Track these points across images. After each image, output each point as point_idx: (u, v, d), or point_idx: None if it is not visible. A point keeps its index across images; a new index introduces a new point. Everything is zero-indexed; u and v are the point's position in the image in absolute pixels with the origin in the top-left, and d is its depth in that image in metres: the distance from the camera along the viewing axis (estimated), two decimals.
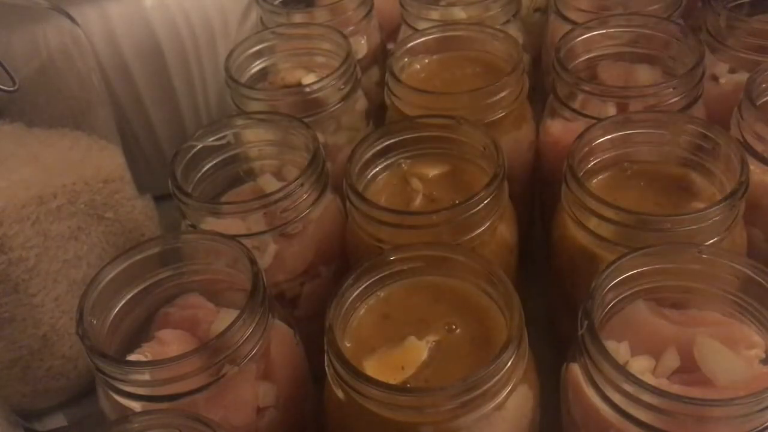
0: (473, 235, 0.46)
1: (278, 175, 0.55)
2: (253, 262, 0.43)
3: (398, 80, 0.55)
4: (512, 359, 0.37)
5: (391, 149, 0.51)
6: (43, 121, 0.55)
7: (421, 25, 0.63)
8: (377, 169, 0.51)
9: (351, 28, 0.66)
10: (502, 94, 0.54)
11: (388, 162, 0.52)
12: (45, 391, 0.56)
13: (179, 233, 0.50)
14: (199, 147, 0.53)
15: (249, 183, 0.55)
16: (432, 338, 0.41)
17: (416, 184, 0.51)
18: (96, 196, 0.55)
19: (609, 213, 0.43)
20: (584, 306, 0.38)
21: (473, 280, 0.42)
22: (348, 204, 0.48)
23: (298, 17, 0.66)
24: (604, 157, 0.49)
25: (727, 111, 0.53)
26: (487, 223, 0.46)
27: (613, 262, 0.40)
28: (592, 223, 0.45)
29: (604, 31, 0.57)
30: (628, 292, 0.41)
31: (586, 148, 0.48)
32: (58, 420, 0.58)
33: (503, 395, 0.37)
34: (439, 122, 0.51)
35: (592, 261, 0.45)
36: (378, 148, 0.51)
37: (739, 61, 0.58)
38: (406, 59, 0.59)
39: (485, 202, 0.45)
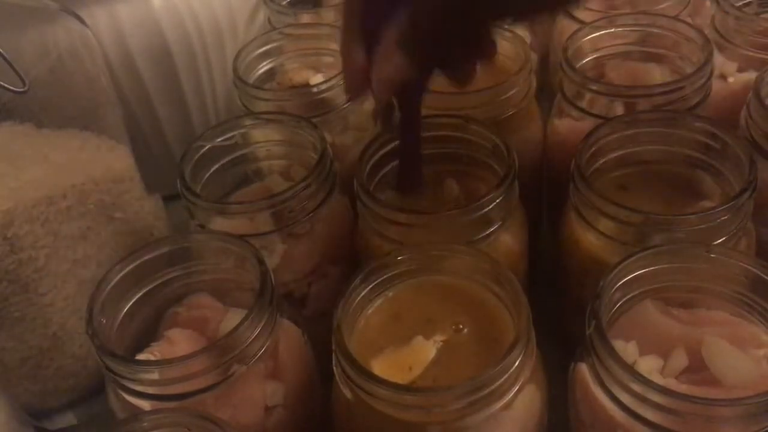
0: (484, 234, 0.46)
1: (286, 175, 0.55)
2: (261, 261, 0.43)
3: None
4: (520, 359, 0.37)
5: None
6: (52, 121, 0.55)
7: None
8: (387, 168, 0.51)
9: None
10: (510, 94, 0.54)
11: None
12: (55, 390, 0.57)
13: (188, 233, 0.50)
14: (207, 147, 0.53)
15: (257, 183, 0.56)
16: (439, 338, 0.41)
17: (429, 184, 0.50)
18: (105, 196, 0.55)
19: (616, 212, 0.43)
20: (592, 305, 0.38)
21: (480, 279, 0.42)
22: (359, 204, 0.48)
23: (305, 17, 0.66)
24: (611, 156, 0.49)
25: (735, 110, 0.52)
26: (499, 223, 0.46)
27: (621, 261, 0.40)
28: (600, 222, 0.45)
29: (612, 30, 0.57)
30: (636, 292, 0.41)
31: (594, 148, 0.48)
32: (68, 419, 0.58)
33: (511, 395, 0.37)
34: (449, 122, 0.51)
35: (600, 260, 0.45)
36: (388, 148, 0.51)
37: (748, 60, 0.58)
38: None
39: (496, 201, 0.45)
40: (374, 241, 0.48)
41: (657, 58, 0.56)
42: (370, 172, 0.49)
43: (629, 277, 0.40)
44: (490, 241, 0.47)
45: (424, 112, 0.53)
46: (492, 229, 0.46)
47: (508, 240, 0.48)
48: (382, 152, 0.50)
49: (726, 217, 0.42)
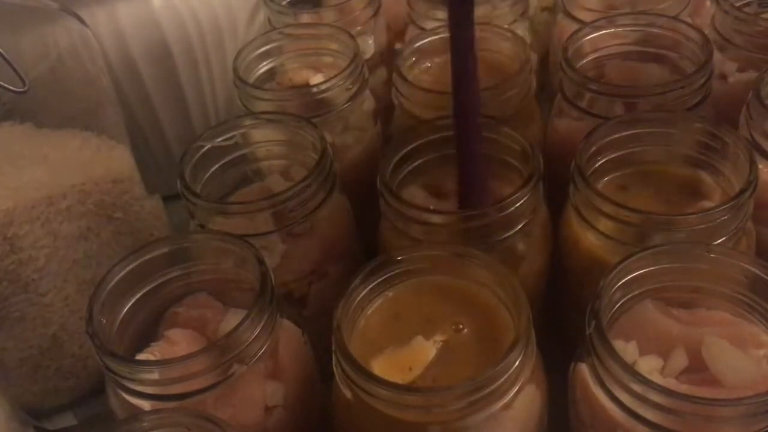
0: (509, 234, 0.46)
1: (286, 175, 0.55)
2: (261, 261, 0.43)
3: (406, 80, 0.55)
4: (520, 359, 0.37)
5: (425, 148, 0.51)
6: (52, 121, 0.55)
7: (429, 24, 0.63)
8: (410, 166, 0.51)
9: (358, 28, 0.66)
10: (510, 94, 0.54)
11: (421, 161, 0.51)
12: (55, 390, 0.57)
13: (188, 233, 0.50)
14: (207, 147, 0.53)
15: (257, 183, 0.56)
16: (439, 338, 0.41)
17: (449, 185, 0.50)
18: (105, 196, 0.55)
19: (617, 212, 0.43)
20: (592, 305, 0.38)
21: (480, 280, 0.42)
22: (381, 201, 0.48)
23: (305, 17, 0.66)
24: (611, 156, 0.49)
25: (735, 110, 0.52)
26: (523, 223, 0.46)
27: (621, 261, 0.40)
28: (600, 222, 0.45)
29: (612, 30, 0.57)
30: (636, 292, 0.41)
31: (594, 148, 0.48)
32: (68, 419, 0.58)
33: (511, 395, 0.37)
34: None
35: (600, 260, 0.45)
36: (412, 146, 0.50)
37: (748, 60, 0.58)
38: (413, 59, 0.59)
39: (519, 203, 0.45)
40: (396, 240, 0.48)
41: (657, 58, 0.56)
42: (393, 169, 0.49)
43: (629, 277, 0.40)
44: (514, 242, 0.47)
45: (424, 112, 0.53)
46: (517, 229, 0.46)
47: (531, 241, 0.48)
48: (405, 150, 0.50)
49: (726, 217, 0.42)
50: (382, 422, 0.38)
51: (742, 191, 0.43)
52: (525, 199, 0.45)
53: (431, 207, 0.48)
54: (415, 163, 0.51)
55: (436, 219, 0.45)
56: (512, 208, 0.45)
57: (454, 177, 0.48)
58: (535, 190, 0.46)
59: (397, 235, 0.47)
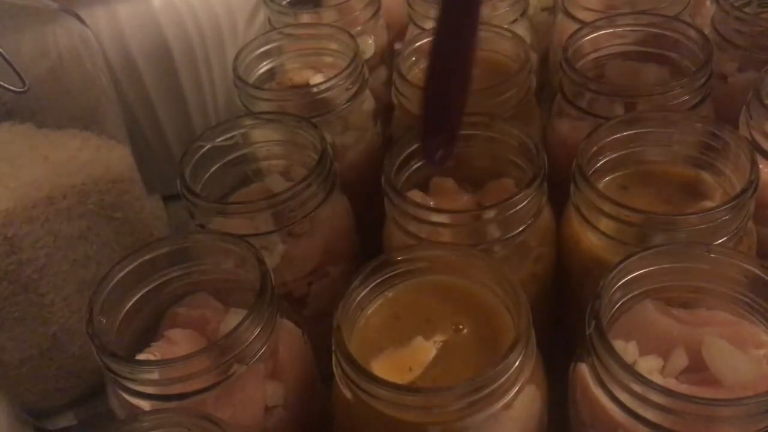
0: (513, 233, 0.46)
1: (286, 175, 0.55)
2: (261, 261, 0.43)
3: (406, 80, 0.55)
4: (520, 359, 0.37)
5: None
6: (52, 121, 0.55)
7: (429, 24, 0.63)
8: (415, 165, 0.51)
9: (358, 28, 0.66)
10: (509, 93, 0.54)
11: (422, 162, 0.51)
12: (55, 389, 0.57)
13: (188, 233, 0.50)
14: (207, 147, 0.53)
15: (257, 183, 0.56)
16: (439, 338, 0.41)
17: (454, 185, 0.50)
18: (105, 196, 0.55)
19: (617, 212, 0.43)
20: (592, 305, 0.38)
21: (480, 280, 0.42)
22: (386, 201, 0.48)
23: (305, 17, 0.66)
24: (612, 156, 0.49)
25: (735, 110, 0.52)
26: (527, 223, 0.46)
27: (622, 261, 0.40)
28: (601, 222, 0.45)
29: (612, 30, 0.57)
30: (637, 292, 0.41)
31: (594, 148, 0.48)
32: (68, 418, 0.58)
33: (511, 395, 0.37)
34: (475, 120, 0.50)
35: (601, 260, 0.45)
36: (417, 145, 0.50)
37: (748, 60, 0.58)
38: (413, 59, 0.59)
39: (524, 203, 0.45)
40: (401, 239, 0.48)
41: (657, 58, 0.56)
42: (398, 168, 0.49)
43: (629, 276, 0.40)
44: (522, 239, 0.47)
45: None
46: (519, 230, 0.46)
47: (534, 240, 0.48)
48: (410, 149, 0.50)
49: (727, 217, 0.42)
50: (382, 422, 0.38)
51: (743, 191, 0.43)
52: (530, 198, 0.45)
53: (433, 205, 0.48)
54: (418, 164, 0.51)
55: (440, 218, 0.45)
56: (518, 207, 0.45)
57: (455, 176, 0.48)
58: (540, 189, 0.46)
59: (401, 234, 0.47)
